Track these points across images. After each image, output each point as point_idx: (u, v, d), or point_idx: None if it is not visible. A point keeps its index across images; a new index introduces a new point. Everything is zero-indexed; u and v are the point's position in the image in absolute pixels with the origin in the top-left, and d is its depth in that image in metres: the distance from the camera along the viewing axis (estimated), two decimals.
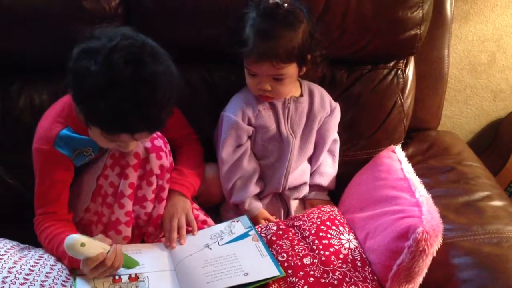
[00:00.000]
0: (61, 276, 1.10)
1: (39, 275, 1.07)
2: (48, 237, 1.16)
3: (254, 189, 1.35)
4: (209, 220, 1.33)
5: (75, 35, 1.02)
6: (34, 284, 1.04)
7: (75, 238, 1.01)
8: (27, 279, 1.05)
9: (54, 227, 1.16)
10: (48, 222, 1.17)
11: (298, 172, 1.39)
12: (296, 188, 1.40)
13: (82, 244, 1.01)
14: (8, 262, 1.08)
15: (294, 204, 1.41)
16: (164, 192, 1.23)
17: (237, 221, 1.28)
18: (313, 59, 1.27)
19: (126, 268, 1.11)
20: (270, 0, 1.18)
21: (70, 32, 1.04)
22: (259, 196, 1.39)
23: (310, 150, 1.39)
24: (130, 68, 0.97)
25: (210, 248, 1.20)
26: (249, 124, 1.32)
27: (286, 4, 1.18)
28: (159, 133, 1.22)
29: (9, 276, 1.04)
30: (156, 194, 1.22)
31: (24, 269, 1.07)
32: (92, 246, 1.03)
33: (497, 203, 1.26)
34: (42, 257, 1.14)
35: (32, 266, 1.09)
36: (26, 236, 1.23)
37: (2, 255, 1.10)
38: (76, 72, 1.01)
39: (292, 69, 1.24)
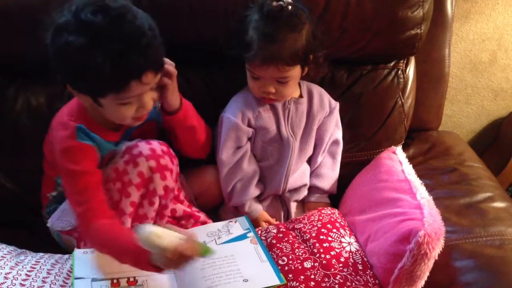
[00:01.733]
0: (58, 280, 1.09)
1: (36, 280, 1.07)
2: (102, 237, 1.10)
3: (254, 191, 1.34)
4: (210, 222, 1.32)
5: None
6: None
7: (150, 230, 0.95)
8: (24, 285, 1.04)
9: (107, 227, 1.10)
10: (97, 222, 1.10)
11: (298, 174, 1.38)
12: (296, 190, 1.39)
13: (158, 235, 0.95)
14: (4, 267, 1.07)
15: (293, 206, 1.40)
16: (167, 210, 1.22)
17: (235, 222, 1.27)
18: (315, 59, 1.26)
19: (201, 256, 1.02)
20: (274, 2, 1.16)
21: None
22: (259, 198, 1.38)
23: (310, 151, 1.38)
24: (100, 15, 0.97)
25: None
26: (249, 125, 1.31)
27: (290, 7, 1.16)
28: (165, 148, 1.20)
29: (5, 282, 1.03)
30: (158, 211, 1.21)
31: (20, 275, 1.07)
32: (168, 237, 0.96)
33: (499, 204, 1.25)
34: (39, 262, 1.13)
35: (29, 271, 1.09)
36: (24, 240, 1.23)
37: None
38: (59, 54, 1.01)
39: (296, 71, 1.23)
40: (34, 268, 1.10)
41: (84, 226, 1.12)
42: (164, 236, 0.96)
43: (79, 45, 0.97)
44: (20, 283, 1.04)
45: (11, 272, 1.06)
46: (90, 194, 1.12)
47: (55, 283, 1.08)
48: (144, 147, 1.17)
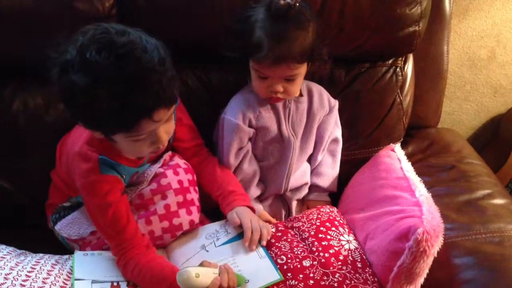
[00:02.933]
0: (58, 281, 1.09)
1: (36, 281, 1.06)
2: (138, 271, 1.10)
3: (254, 191, 1.34)
4: (207, 221, 1.31)
5: (67, 37, 1.00)
6: None
7: (188, 271, 0.98)
8: (24, 286, 1.04)
9: (142, 259, 1.11)
10: (131, 254, 1.12)
11: (299, 173, 1.37)
12: (297, 189, 1.39)
13: (197, 275, 0.98)
14: (4, 268, 1.07)
15: (294, 205, 1.40)
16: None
17: None
18: (320, 55, 1.24)
19: (238, 285, 1.08)
20: (281, 1, 1.14)
21: (63, 34, 1.02)
22: (260, 198, 1.38)
23: (310, 149, 1.38)
24: (104, 54, 0.92)
25: (207, 250, 1.18)
26: (250, 126, 1.30)
27: (297, 4, 1.15)
28: (190, 177, 1.23)
29: (5, 282, 1.03)
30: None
31: (21, 275, 1.06)
32: (205, 274, 1.01)
33: (498, 201, 1.25)
34: (39, 262, 1.13)
35: (29, 272, 1.08)
36: (23, 241, 1.22)
37: None
38: (65, 92, 0.97)
39: (304, 68, 1.22)
40: (34, 268, 1.10)
41: (119, 258, 1.13)
42: (202, 274, 1.00)
43: (84, 85, 0.93)
44: (21, 284, 1.03)
45: (11, 272, 1.06)
46: (121, 225, 1.11)
47: (55, 284, 1.07)
48: (172, 178, 1.20)
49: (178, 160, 1.26)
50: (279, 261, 1.14)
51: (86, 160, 1.10)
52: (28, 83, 1.33)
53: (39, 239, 1.29)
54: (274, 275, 1.10)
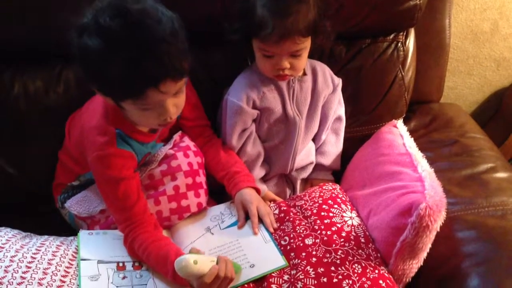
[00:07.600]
0: (63, 262, 1.10)
1: (42, 262, 1.07)
2: (143, 249, 1.11)
3: (259, 172, 1.34)
4: (212, 203, 1.32)
5: (64, 20, 0.99)
6: (37, 272, 1.04)
7: (186, 259, 0.98)
8: (30, 267, 1.05)
9: (149, 238, 1.12)
10: (139, 232, 1.12)
11: (305, 152, 1.37)
12: (303, 168, 1.39)
13: (195, 262, 0.99)
14: (10, 250, 1.08)
15: (299, 184, 1.40)
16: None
17: None
18: (324, 28, 1.22)
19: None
20: None
21: (58, 17, 1.02)
22: (264, 178, 1.38)
23: (315, 129, 1.37)
24: (118, 20, 0.95)
25: (212, 233, 1.19)
26: (254, 107, 1.29)
27: None
28: (200, 159, 1.24)
29: (11, 264, 1.04)
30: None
31: (26, 257, 1.07)
32: (203, 262, 1.01)
33: (501, 174, 1.25)
34: (44, 244, 1.14)
35: (34, 253, 1.09)
36: (28, 225, 1.22)
37: (3, 243, 1.09)
38: (79, 55, 1.00)
39: (308, 42, 1.20)
40: (40, 250, 1.11)
41: (126, 235, 1.14)
42: (200, 261, 1.00)
43: (96, 49, 0.95)
44: (26, 265, 1.04)
45: (16, 255, 1.07)
46: (131, 201, 1.12)
47: (61, 264, 1.08)
48: (183, 160, 1.21)
49: (188, 141, 1.27)
50: (282, 242, 1.15)
51: (103, 134, 1.11)
52: (26, 67, 1.32)
53: (43, 222, 1.29)
54: (279, 261, 1.10)
